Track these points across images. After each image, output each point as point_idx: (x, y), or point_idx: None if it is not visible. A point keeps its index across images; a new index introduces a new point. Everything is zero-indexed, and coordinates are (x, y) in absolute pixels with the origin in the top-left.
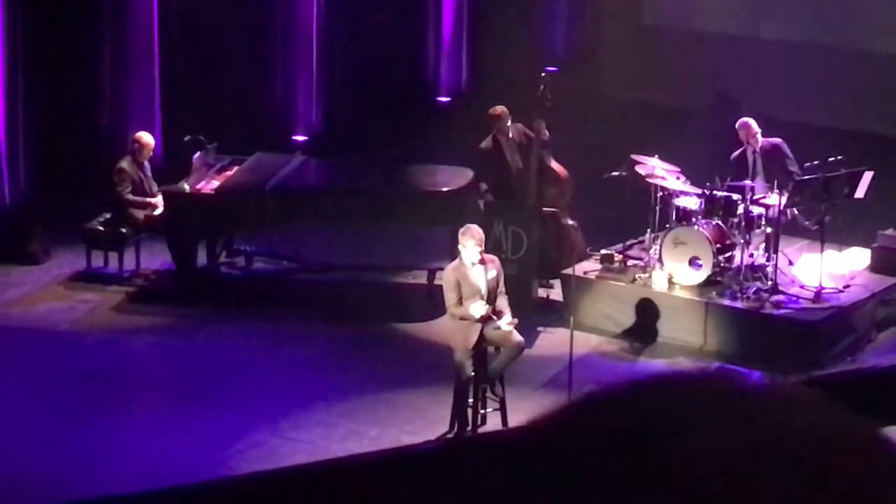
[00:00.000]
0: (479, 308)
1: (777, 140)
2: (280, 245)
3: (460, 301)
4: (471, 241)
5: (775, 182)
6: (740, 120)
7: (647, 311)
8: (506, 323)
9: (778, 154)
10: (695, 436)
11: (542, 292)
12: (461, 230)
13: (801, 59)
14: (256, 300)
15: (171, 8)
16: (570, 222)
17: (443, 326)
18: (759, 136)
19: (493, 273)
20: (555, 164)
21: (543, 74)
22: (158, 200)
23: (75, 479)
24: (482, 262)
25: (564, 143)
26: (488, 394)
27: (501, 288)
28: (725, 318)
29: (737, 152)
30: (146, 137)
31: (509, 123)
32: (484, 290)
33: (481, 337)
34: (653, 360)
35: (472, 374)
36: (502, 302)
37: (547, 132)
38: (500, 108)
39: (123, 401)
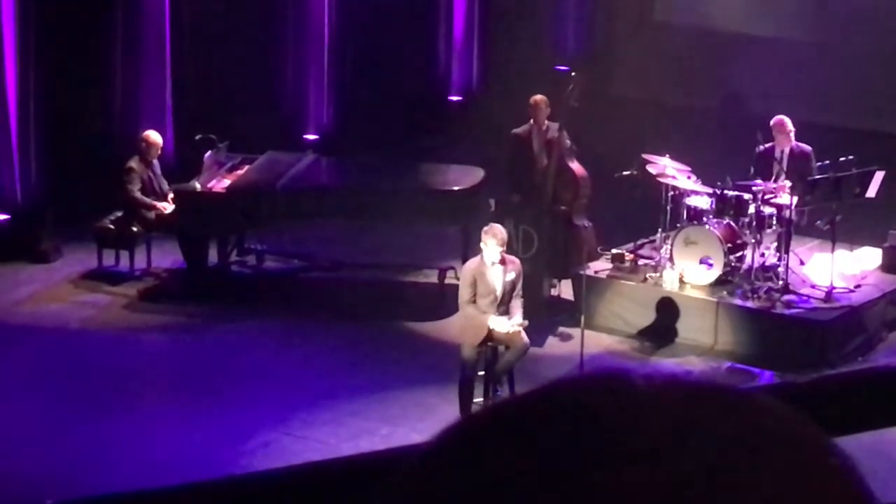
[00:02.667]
0: (500, 324)
1: (808, 148)
2: (291, 243)
3: (474, 298)
4: (492, 241)
5: (789, 184)
6: (776, 117)
7: (658, 311)
8: (514, 324)
9: (805, 160)
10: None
11: (552, 291)
12: (484, 228)
13: (812, 58)
14: (267, 299)
15: (182, 6)
16: (585, 222)
17: (453, 325)
18: (791, 135)
19: (511, 275)
20: (574, 165)
21: (573, 74)
22: (165, 205)
23: (85, 477)
24: (503, 262)
25: (575, 143)
26: (498, 394)
27: (518, 291)
28: (736, 317)
29: (764, 146)
30: (154, 136)
31: (546, 116)
32: (499, 292)
33: (489, 334)
34: (664, 359)
35: (476, 370)
36: (516, 304)
37: (569, 141)
38: (538, 98)
39: (134, 399)
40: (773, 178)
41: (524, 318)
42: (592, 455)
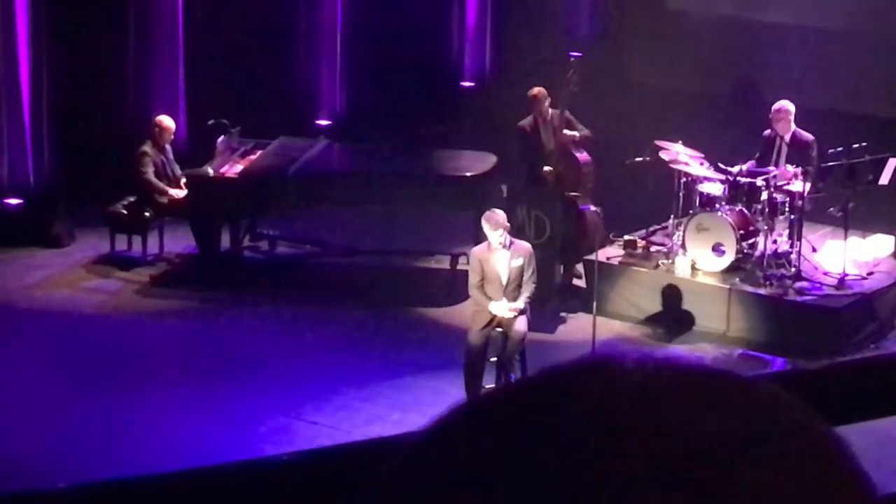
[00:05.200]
0: (499, 308)
1: (810, 137)
2: (303, 229)
3: (482, 283)
4: (487, 225)
5: (797, 169)
6: (779, 102)
7: (670, 297)
8: (509, 307)
9: (805, 149)
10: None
11: (576, 281)
12: (484, 214)
13: (824, 45)
14: (279, 284)
15: None
16: (593, 208)
17: (465, 310)
18: (791, 121)
19: (518, 262)
20: (578, 151)
21: (572, 59)
22: (177, 192)
23: (96, 461)
24: (510, 247)
25: (587, 128)
26: (512, 379)
27: (527, 277)
28: (749, 304)
29: (768, 131)
30: (166, 121)
31: (548, 105)
32: (504, 278)
33: (493, 319)
34: (675, 345)
35: (482, 355)
36: (525, 290)
37: (576, 133)
38: (537, 90)
39: (146, 384)
40: (773, 163)
41: (538, 305)
42: (581, 442)
